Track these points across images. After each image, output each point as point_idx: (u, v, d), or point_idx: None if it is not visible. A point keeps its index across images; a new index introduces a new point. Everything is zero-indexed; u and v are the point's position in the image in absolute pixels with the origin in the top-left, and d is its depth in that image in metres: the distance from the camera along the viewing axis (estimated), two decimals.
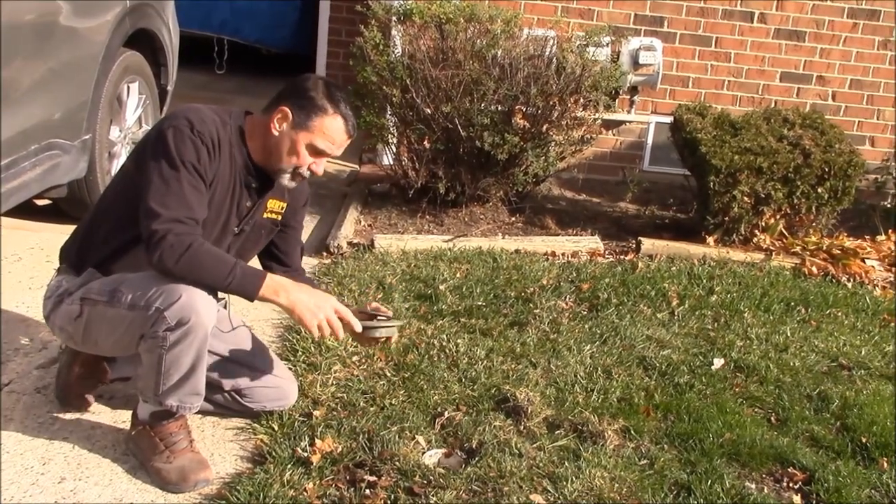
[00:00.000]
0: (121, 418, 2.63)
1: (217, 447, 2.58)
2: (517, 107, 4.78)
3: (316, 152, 2.41)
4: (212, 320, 2.27)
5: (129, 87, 4.19)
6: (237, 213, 2.47)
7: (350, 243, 4.39)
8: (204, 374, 2.38)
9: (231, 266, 2.24)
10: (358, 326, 2.36)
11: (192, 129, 2.26)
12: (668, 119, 5.35)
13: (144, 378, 2.35)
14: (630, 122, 5.94)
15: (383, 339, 2.54)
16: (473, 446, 2.63)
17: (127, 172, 2.43)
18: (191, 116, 2.29)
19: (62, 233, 3.96)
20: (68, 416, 2.63)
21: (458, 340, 3.31)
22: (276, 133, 2.39)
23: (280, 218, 2.59)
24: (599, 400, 2.99)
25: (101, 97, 3.85)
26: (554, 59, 4.82)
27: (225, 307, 2.58)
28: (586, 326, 3.59)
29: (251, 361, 2.63)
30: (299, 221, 2.70)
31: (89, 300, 2.35)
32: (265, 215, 2.55)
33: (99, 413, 2.66)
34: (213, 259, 2.24)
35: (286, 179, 2.46)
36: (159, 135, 2.28)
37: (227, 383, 2.60)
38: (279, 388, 2.65)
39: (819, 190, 4.66)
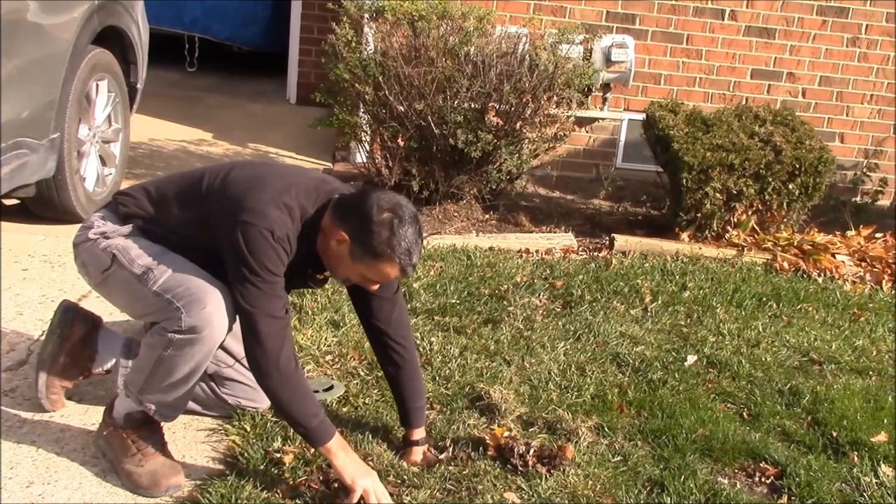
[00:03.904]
0: (90, 420, 2.59)
1: (189, 448, 2.56)
2: (490, 104, 4.77)
3: (368, 281, 2.36)
4: (221, 339, 2.29)
5: (97, 85, 4.14)
6: (303, 283, 2.54)
7: None
8: (192, 390, 2.38)
9: (318, 409, 2.30)
10: None
11: (273, 236, 2.22)
12: (641, 116, 5.37)
13: (135, 370, 2.35)
14: (603, 119, 5.96)
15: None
16: (447, 444, 2.62)
17: (206, 205, 2.33)
18: (274, 225, 2.23)
19: (31, 233, 3.96)
20: (36, 418, 2.60)
21: (432, 338, 3.30)
22: (333, 252, 2.32)
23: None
24: (573, 397, 3.00)
25: (70, 95, 3.80)
26: (527, 57, 4.82)
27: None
28: (560, 323, 3.59)
29: (239, 355, 2.61)
30: (390, 291, 2.52)
31: (122, 262, 2.34)
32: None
33: (68, 416, 2.63)
34: (308, 394, 2.31)
35: (339, 282, 2.53)
36: (243, 234, 2.21)
37: (211, 367, 2.58)
38: (257, 388, 2.63)
39: (790, 186, 4.70)
